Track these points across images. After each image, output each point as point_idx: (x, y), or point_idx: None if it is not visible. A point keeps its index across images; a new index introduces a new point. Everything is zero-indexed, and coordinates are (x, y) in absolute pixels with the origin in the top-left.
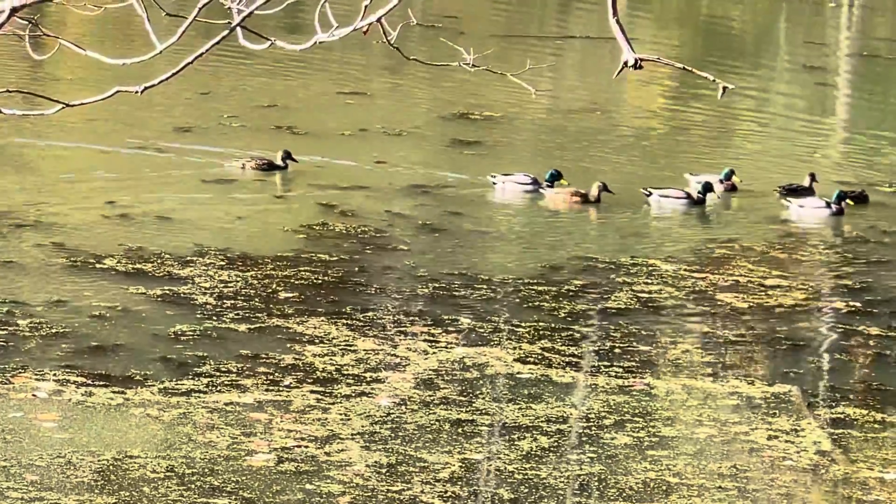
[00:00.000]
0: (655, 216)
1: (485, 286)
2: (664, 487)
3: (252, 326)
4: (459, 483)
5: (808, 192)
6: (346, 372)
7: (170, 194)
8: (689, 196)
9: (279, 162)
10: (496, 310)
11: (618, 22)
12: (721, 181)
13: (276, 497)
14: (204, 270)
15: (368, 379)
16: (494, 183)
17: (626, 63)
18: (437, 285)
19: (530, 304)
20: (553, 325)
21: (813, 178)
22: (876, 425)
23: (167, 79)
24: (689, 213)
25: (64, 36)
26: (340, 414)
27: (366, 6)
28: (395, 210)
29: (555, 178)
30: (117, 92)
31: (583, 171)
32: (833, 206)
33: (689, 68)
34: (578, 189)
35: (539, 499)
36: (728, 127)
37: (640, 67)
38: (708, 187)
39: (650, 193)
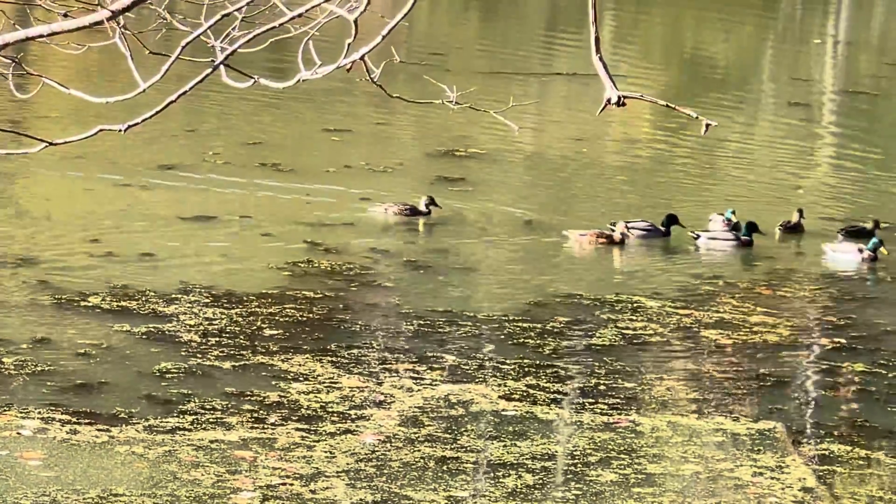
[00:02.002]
0: (644, 253)
1: (470, 323)
2: None
3: (237, 364)
4: None
5: (800, 228)
6: (330, 409)
7: (154, 232)
8: (737, 238)
9: (422, 208)
10: (481, 347)
11: (601, 59)
12: (726, 220)
13: None
14: (189, 308)
15: (353, 416)
16: (612, 229)
17: (609, 100)
18: (421, 322)
19: (515, 341)
20: (538, 362)
21: (801, 213)
22: (861, 462)
23: (150, 117)
24: (686, 252)
25: (47, 74)
26: (325, 451)
27: (349, 44)
28: (380, 247)
29: (672, 221)
30: (100, 130)
31: (569, 208)
32: (867, 252)
33: (673, 105)
34: (602, 230)
35: None
36: (714, 163)
37: (624, 105)
38: (753, 227)
39: (698, 236)
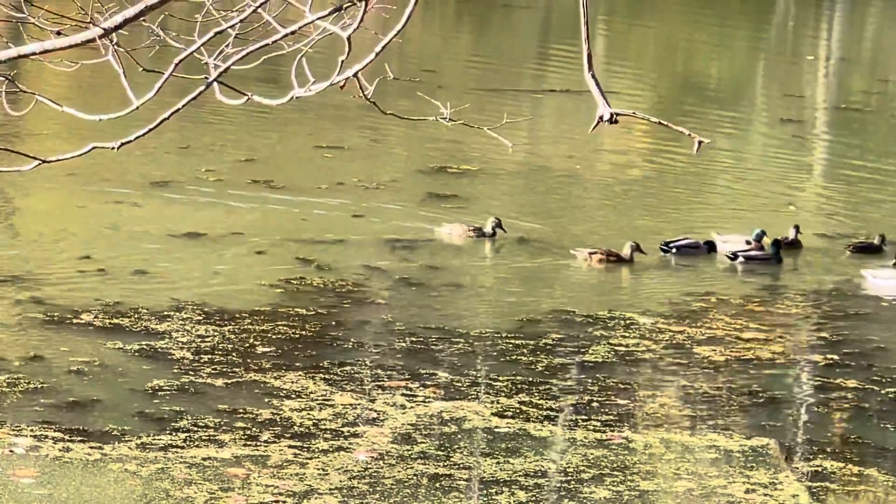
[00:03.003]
0: (637, 270)
1: (462, 340)
2: None
3: (229, 381)
4: None
5: (797, 244)
6: (323, 426)
7: (146, 249)
8: (770, 256)
9: (488, 229)
10: (474, 364)
11: (593, 76)
12: (748, 241)
13: None
14: (181, 325)
15: (346, 433)
16: (666, 252)
17: (601, 117)
18: (414, 339)
19: (508, 357)
20: (531, 379)
21: (797, 229)
22: (853, 478)
23: (143, 135)
24: (683, 268)
25: (41, 91)
26: (318, 469)
27: (342, 61)
28: (373, 264)
29: (711, 248)
30: (93, 148)
31: (562, 224)
32: None
33: (665, 123)
34: (611, 249)
35: None
36: (707, 180)
37: (616, 122)
38: (779, 244)
39: (735, 256)
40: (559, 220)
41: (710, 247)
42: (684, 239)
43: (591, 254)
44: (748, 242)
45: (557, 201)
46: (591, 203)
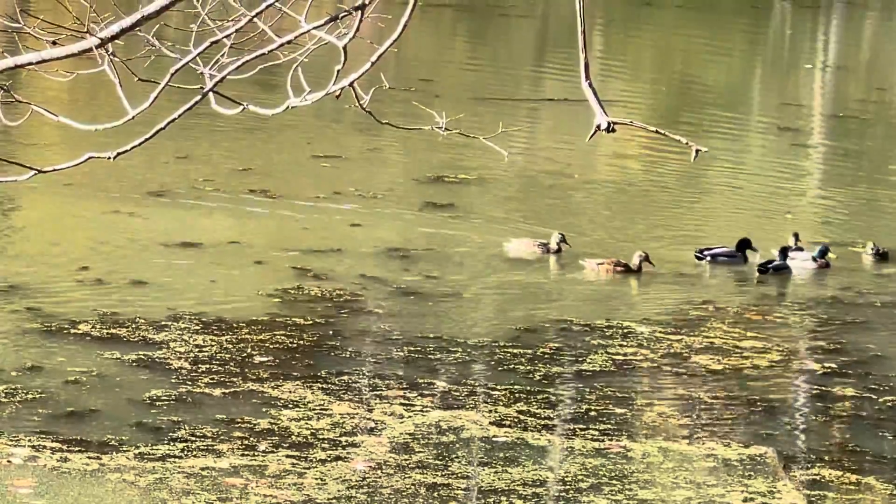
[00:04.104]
0: (640, 280)
1: (460, 349)
2: None
3: (227, 391)
4: None
5: (799, 252)
6: (321, 436)
7: (144, 259)
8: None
9: (553, 245)
10: (472, 373)
11: (590, 85)
12: (815, 259)
13: None
14: (179, 335)
15: (344, 443)
16: (700, 259)
17: (599, 126)
18: (412, 348)
19: (506, 366)
20: (529, 388)
21: (797, 237)
22: (852, 487)
23: (139, 145)
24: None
25: (36, 101)
26: (316, 478)
27: (338, 70)
28: (371, 273)
29: (745, 245)
30: (90, 158)
31: (561, 232)
32: None
33: (663, 132)
34: (619, 259)
35: None
36: (704, 188)
37: (614, 131)
38: (784, 252)
39: (766, 269)
40: (558, 228)
41: (743, 251)
42: (720, 247)
43: (599, 264)
44: (814, 259)
45: (556, 210)
46: (590, 212)
